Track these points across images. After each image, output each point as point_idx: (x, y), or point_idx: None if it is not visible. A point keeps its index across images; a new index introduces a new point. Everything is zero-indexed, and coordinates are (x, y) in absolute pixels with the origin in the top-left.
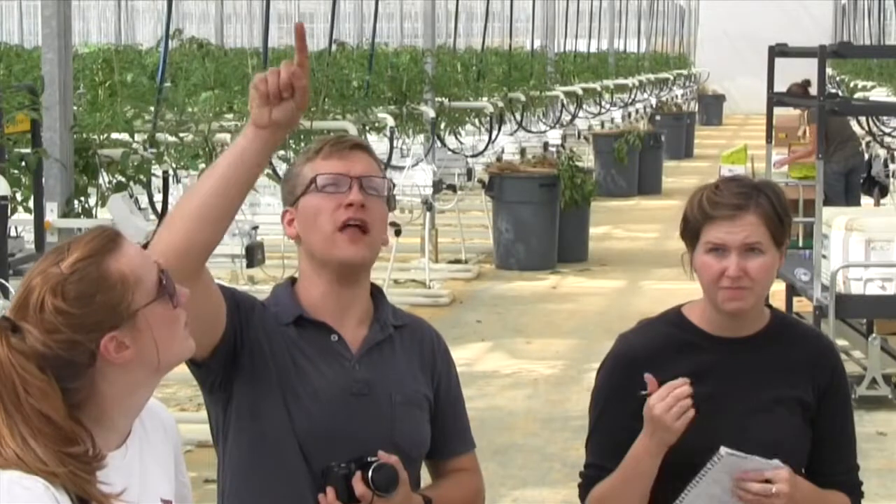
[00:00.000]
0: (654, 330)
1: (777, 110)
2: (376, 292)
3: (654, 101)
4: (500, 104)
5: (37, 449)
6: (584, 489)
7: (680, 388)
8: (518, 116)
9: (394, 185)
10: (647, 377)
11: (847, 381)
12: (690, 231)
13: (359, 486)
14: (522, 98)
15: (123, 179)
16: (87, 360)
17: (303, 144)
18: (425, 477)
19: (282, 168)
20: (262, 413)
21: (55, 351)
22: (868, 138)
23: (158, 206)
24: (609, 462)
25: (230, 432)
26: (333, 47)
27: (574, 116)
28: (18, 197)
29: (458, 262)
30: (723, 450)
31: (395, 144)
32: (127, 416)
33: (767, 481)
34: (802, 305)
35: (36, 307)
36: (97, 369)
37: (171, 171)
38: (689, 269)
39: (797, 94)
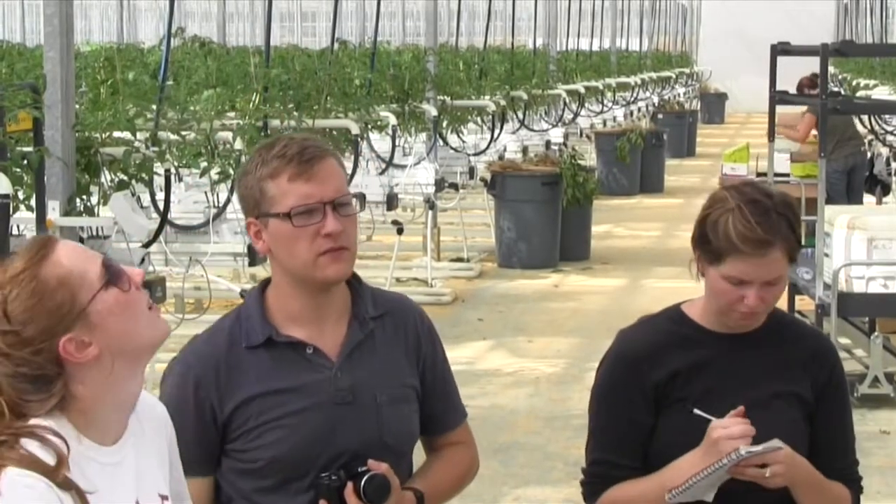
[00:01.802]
0: (654, 326)
1: (779, 108)
2: (353, 281)
3: (656, 99)
4: (503, 102)
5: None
6: (592, 486)
7: (748, 425)
8: (520, 115)
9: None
10: (740, 409)
11: (845, 378)
12: (711, 252)
13: (351, 499)
14: (524, 96)
15: (125, 178)
16: (54, 369)
17: None
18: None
19: None
20: (250, 443)
21: (19, 371)
22: (870, 137)
23: (160, 205)
24: (616, 457)
25: (221, 460)
26: (335, 46)
27: (576, 115)
28: (20, 195)
29: (460, 260)
30: (742, 449)
31: (397, 143)
32: (118, 410)
33: (764, 465)
34: (804, 304)
35: None
36: (68, 373)
37: (172, 170)
38: (698, 273)
39: (807, 86)
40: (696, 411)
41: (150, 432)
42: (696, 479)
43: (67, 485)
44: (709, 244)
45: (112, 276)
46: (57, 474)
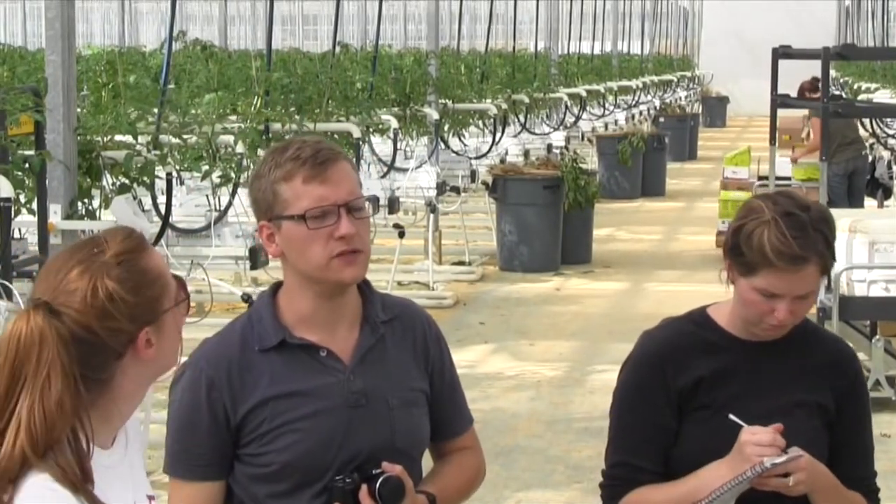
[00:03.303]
0: (679, 328)
1: (781, 112)
2: (363, 285)
3: (657, 102)
4: (504, 106)
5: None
6: (612, 489)
7: (778, 435)
8: (522, 118)
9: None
10: (777, 427)
11: (866, 388)
12: (744, 263)
13: (367, 502)
14: (526, 100)
15: (127, 181)
16: (121, 351)
17: None
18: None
19: None
20: (264, 447)
21: (100, 337)
22: (871, 140)
23: (162, 208)
24: (637, 460)
25: (234, 465)
26: (337, 49)
27: (577, 118)
28: (22, 199)
29: (461, 263)
30: (767, 461)
31: (398, 146)
32: (126, 414)
33: (787, 474)
34: None
35: (86, 292)
36: (123, 363)
37: (174, 173)
38: (727, 281)
39: (808, 89)
40: (732, 417)
41: (131, 435)
42: (718, 492)
43: (91, 500)
44: (742, 256)
45: (185, 296)
46: (82, 488)
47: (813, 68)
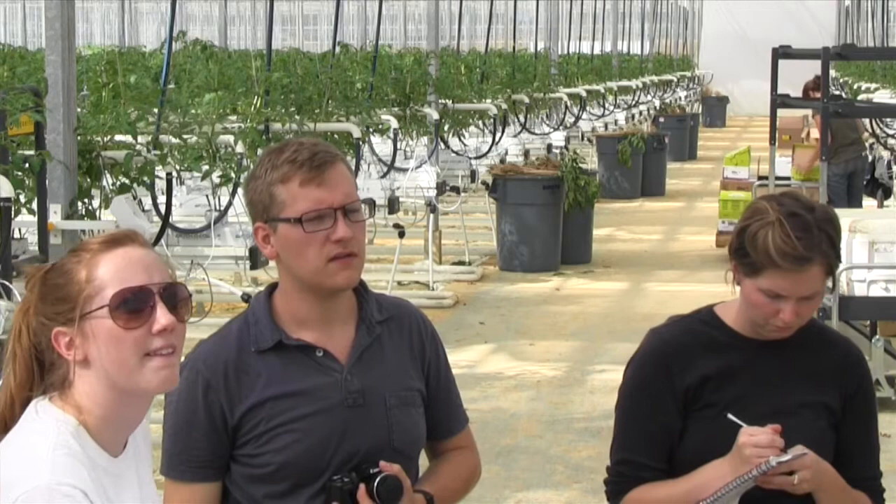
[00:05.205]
0: (686, 326)
1: (781, 112)
2: (358, 286)
3: (657, 102)
4: (504, 106)
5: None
6: (616, 486)
7: (776, 435)
8: (521, 118)
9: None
10: (775, 428)
11: (873, 389)
12: (748, 264)
13: (365, 501)
14: (526, 100)
15: (127, 181)
16: (46, 344)
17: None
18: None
19: None
20: (261, 448)
21: (34, 324)
22: (871, 140)
23: (162, 208)
24: (641, 457)
25: (231, 466)
26: (337, 49)
27: (577, 118)
28: (22, 199)
29: (461, 263)
30: (773, 459)
31: (398, 146)
32: (122, 429)
33: (791, 472)
34: None
35: (30, 286)
36: (62, 359)
37: (174, 173)
38: (733, 282)
39: (812, 89)
40: (730, 416)
41: (140, 441)
42: (724, 490)
43: None
44: (746, 256)
45: (122, 306)
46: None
47: (813, 68)
